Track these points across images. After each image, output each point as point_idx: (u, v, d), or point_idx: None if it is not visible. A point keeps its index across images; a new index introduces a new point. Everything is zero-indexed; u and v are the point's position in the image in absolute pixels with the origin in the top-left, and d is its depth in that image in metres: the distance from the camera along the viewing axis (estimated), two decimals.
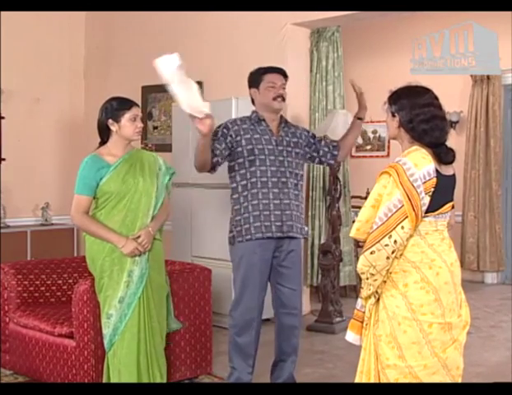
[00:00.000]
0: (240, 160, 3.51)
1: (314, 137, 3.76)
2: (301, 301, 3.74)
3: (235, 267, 3.59)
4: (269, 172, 3.49)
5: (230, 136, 3.49)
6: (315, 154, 3.71)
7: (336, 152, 3.71)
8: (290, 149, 3.57)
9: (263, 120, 3.56)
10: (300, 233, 3.57)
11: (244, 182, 3.51)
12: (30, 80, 6.38)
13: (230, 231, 3.57)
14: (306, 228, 3.68)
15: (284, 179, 3.52)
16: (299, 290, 3.64)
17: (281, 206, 3.48)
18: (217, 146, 3.45)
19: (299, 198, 3.61)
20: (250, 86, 3.63)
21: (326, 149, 3.71)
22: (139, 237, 3.26)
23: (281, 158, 3.52)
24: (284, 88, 3.59)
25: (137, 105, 3.37)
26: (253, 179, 3.49)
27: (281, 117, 3.67)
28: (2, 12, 5.80)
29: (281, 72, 3.62)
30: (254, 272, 3.49)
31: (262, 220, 3.46)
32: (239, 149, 3.49)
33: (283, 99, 3.57)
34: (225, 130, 3.51)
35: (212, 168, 3.49)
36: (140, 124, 3.33)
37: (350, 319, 2.62)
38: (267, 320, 4.49)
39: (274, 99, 3.54)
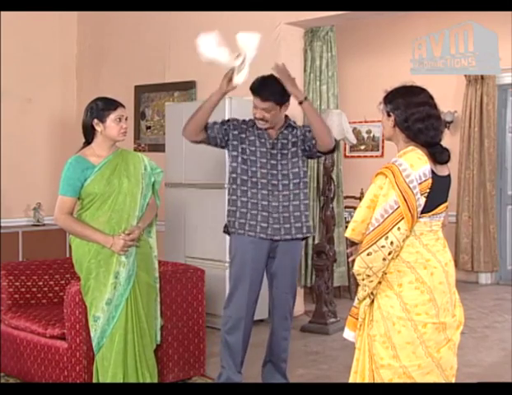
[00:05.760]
0: (235, 154, 3.56)
1: (310, 130, 3.61)
2: (294, 304, 3.70)
3: (231, 261, 3.63)
4: (259, 173, 3.51)
5: (228, 125, 3.58)
6: (307, 147, 3.58)
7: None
8: (285, 151, 3.54)
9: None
10: (290, 234, 3.50)
11: (234, 175, 3.57)
12: (21, 80, 6.33)
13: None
14: (308, 224, 3.60)
15: (275, 182, 3.51)
16: (292, 294, 3.62)
17: (268, 208, 3.49)
18: (216, 126, 3.57)
19: (299, 197, 3.53)
20: None
21: (313, 141, 3.56)
22: (129, 234, 3.24)
23: (273, 161, 3.52)
24: (267, 111, 3.43)
25: (122, 106, 3.34)
26: (244, 177, 3.53)
27: (286, 120, 3.60)
28: None
29: (264, 97, 3.43)
30: (246, 272, 3.50)
31: (248, 219, 3.49)
32: (235, 142, 3.56)
33: (265, 121, 3.48)
34: (226, 120, 3.64)
35: (204, 129, 3.56)
36: (125, 125, 3.31)
37: (344, 320, 2.61)
38: (261, 321, 4.48)
39: (256, 119, 3.53)
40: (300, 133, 3.60)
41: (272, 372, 3.65)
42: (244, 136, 3.56)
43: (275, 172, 3.52)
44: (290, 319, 3.66)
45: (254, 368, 3.74)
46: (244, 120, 3.65)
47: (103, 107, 3.28)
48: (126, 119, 3.33)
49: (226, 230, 3.64)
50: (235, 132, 3.57)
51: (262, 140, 3.55)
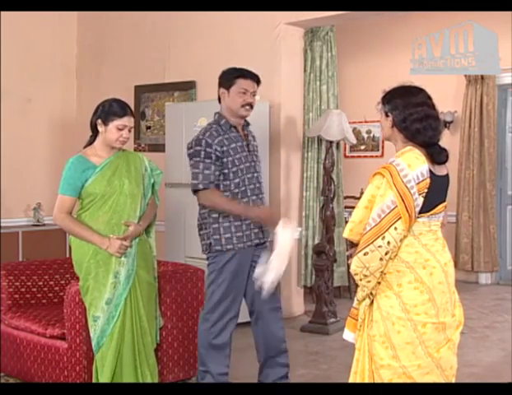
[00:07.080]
0: (225, 171, 3.43)
1: None
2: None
3: (216, 274, 3.46)
4: (246, 180, 3.48)
5: (216, 150, 3.40)
6: None
7: None
8: (256, 153, 3.60)
9: (234, 127, 3.51)
10: (263, 238, 3.54)
11: (227, 193, 3.45)
12: (21, 79, 6.34)
13: (207, 238, 3.50)
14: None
15: (258, 185, 3.54)
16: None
17: None
18: (208, 173, 3.38)
19: (263, 204, 3.61)
20: (220, 86, 3.53)
21: None
22: (125, 238, 3.24)
23: (252, 163, 3.53)
24: (254, 95, 3.52)
25: (131, 116, 3.31)
26: (236, 190, 3.46)
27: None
28: None
29: (255, 79, 3.51)
30: (237, 279, 3.45)
31: (244, 230, 3.45)
32: (224, 160, 3.42)
33: (251, 107, 3.50)
34: (208, 149, 3.39)
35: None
36: (126, 135, 3.29)
37: (344, 320, 2.61)
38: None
39: (243, 106, 3.48)
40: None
41: (273, 366, 3.58)
42: (226, 148, 3.44)
43: (256, 175, 3.54)
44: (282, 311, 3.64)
45: (253, 368, 3.74)
46: (216, 129, 3.47)
47: (111, 111, 3.26)
48: (130, 130, 3.30)
49: (209, 249, 3.49)
50: (224, 149, 3.42)
51: (240, 143, 3.49)
